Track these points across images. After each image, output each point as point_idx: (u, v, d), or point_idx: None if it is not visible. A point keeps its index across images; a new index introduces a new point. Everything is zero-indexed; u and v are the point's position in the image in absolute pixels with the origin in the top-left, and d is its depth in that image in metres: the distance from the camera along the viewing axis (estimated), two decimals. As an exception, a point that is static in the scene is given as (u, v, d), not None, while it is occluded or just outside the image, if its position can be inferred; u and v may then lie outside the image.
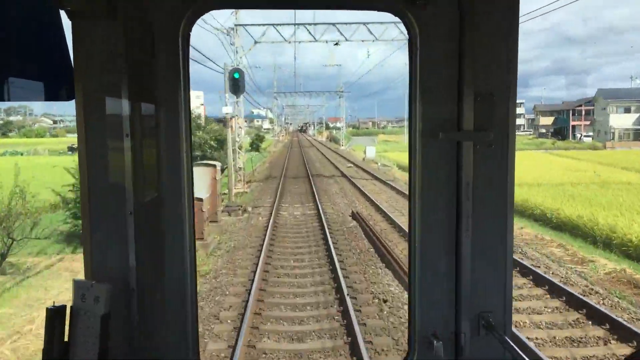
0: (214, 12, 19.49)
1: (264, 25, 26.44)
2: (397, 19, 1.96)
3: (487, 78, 1.85)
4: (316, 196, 21.32)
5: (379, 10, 2.07)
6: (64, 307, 1.76)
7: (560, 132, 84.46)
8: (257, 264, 11.18)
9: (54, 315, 1.73)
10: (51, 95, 1.96)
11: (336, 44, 28.98)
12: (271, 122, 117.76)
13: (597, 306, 8.56)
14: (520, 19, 1.91)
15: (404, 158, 31.16)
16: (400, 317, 8.32)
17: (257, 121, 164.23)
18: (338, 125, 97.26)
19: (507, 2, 1.82)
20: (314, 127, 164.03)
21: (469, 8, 1.80)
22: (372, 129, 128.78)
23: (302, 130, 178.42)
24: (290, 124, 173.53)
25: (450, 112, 1.88)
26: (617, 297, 9.54)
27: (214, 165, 17.32)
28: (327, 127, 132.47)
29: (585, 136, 75.03)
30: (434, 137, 1.87)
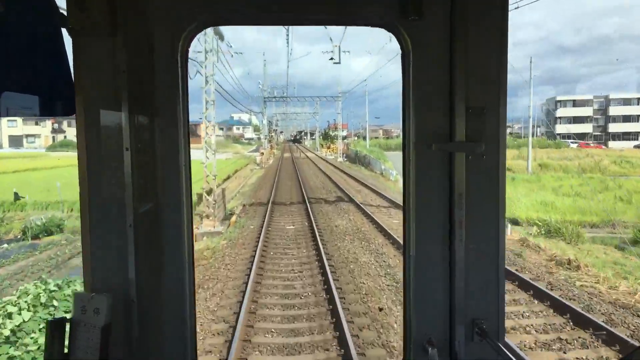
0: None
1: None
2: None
3: (478, 91, 2.01)
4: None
5: (371, 25, 2.21)
6: (64, 319, 1.85)
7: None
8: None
9: (54, 328, 1.82)
10: (52, 110, 2.08)
11: (331, 59, 31.19)
12: (256, 129, 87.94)
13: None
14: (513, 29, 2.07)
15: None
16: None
17: (237, 129, 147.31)
18: (343, 133, 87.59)
19: (497, 18, 2.00)
20: (309, 136, 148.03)
21: (460, 23, 1.98)
22: (382, 140, 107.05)
23: (296, 140, 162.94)
24: (282, 132, 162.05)
25: (443, 123, 2.03)
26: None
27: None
28: (327, 137, 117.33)
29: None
30: (427, 148, 2.02)
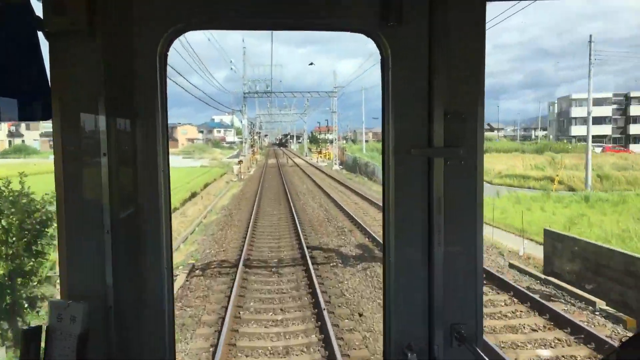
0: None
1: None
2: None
3: (457, 96, 2.16)
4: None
5: (351, 31, 2.35)
6: (39, 327, 1.94)
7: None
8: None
9: (29, 336, 1.91)
10: (30, 114, 2.19)
11: (311, 64, 32.15)
12: (238, 132, 79.71)
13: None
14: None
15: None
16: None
17: (219, 131, 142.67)
18: (329, 136, 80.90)
19: (474, 25, 2.18)
20: (295, 139, 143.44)
21: (439, 30, 2.14)
22: (374, 144, 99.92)
23: (282, 144, 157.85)
24: (266, 135, 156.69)
25: (422, 129, 2.18)
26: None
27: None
28: (315, 140, 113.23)
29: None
30: (406, 153, 2.18)
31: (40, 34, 2.02)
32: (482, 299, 2.25)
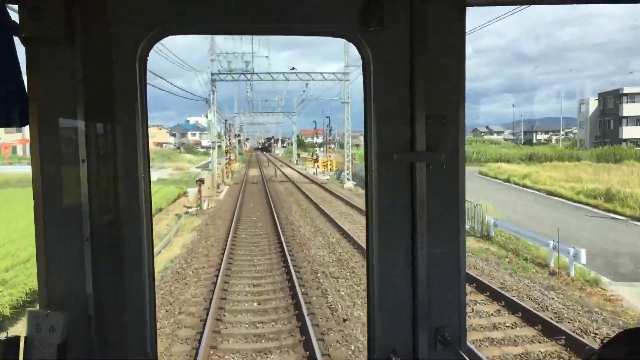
0: None
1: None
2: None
3: (438, 100, 2.58)
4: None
5: (333, 36, 2.78)
6: (17, 338, 2.25)
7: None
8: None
9: (8, 346, 2.20)
10: (7, 120, 2.46)
11: (292, 68, 33.08)
12: (219, 136, 62.18)
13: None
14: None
15: None
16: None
17: (193, 134, 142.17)
18: (318, 140, 76.45)
19: (455, 29, 2.60)
20: (279, 143, 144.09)
21: (420, 34, 2.55)
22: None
23: (265, 148, 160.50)
24: (248, 139, 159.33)
25: (404, 133, 2.60)
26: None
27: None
28: (301, 144, 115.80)
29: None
30: (388, 158, 2.59)
31: (16, 39, 2.34)
32: (465, 302, 2.67)
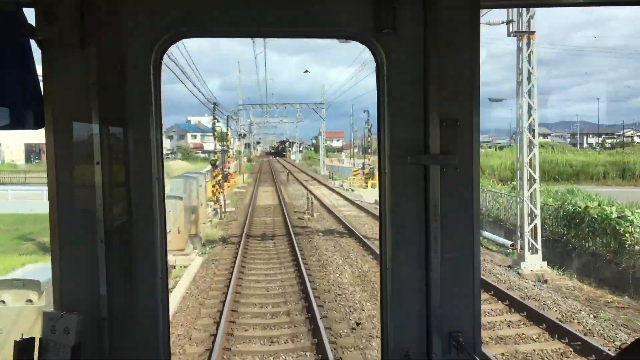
0: None
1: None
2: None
3: (452, 104, 2.59)
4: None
5: (346, 38, 2.87)
6: (32, 339, 2.30)
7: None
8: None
9: (23, 348, 2.25)
10: (22, 122, 2.53)
11: (306, 71, 30.88)
12: (222, 138, 44.98)
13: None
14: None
15: None
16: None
17: (194, 136, 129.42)
18: (338, 144, 71.22)
19: (469, 32, 2.60)
20: (295, 147, 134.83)
21: (434, 36, 2.57)
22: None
23: (278, 153, 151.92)
24: (259, 142, 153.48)
25: (417, 136, 2.61)
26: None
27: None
28: (317, 149, 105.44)
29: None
30: (402, 160, 2.60)
31: (33, 42, 2.40)
32: (479, 306, 2.64)
